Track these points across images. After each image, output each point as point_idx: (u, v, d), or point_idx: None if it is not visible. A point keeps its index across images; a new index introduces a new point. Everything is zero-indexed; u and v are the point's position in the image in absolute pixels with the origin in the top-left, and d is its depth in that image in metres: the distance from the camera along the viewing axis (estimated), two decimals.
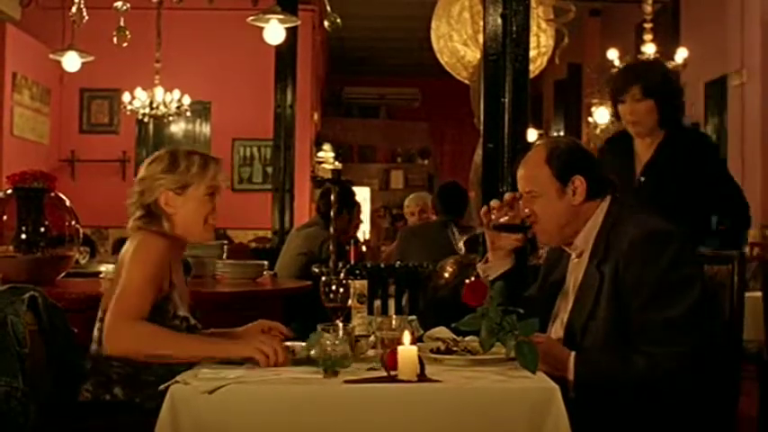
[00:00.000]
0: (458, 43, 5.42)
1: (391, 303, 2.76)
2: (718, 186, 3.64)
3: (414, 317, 2.58)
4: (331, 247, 5.41)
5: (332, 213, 4.91)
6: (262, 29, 5.31)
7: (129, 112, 10.70)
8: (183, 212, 2.65)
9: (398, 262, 5.80)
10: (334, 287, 2.51)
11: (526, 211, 2.70)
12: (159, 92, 10.37)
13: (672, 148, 3.61)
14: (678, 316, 2.44)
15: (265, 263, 4.76)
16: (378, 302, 2.66)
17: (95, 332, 2.60)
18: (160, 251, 2.55)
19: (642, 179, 3.61)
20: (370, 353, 2.48)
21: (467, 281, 2.47)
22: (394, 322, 2.53)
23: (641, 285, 2.48)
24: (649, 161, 3.63)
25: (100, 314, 2.60)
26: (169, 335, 2.45)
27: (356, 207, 5.95)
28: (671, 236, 2.55)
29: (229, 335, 2.71)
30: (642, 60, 3.89)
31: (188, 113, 10.96)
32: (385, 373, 2.17)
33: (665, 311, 2.44)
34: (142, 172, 2.70)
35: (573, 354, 2.48)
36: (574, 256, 2.73)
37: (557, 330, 2.69)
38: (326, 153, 15.00)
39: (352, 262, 2.71)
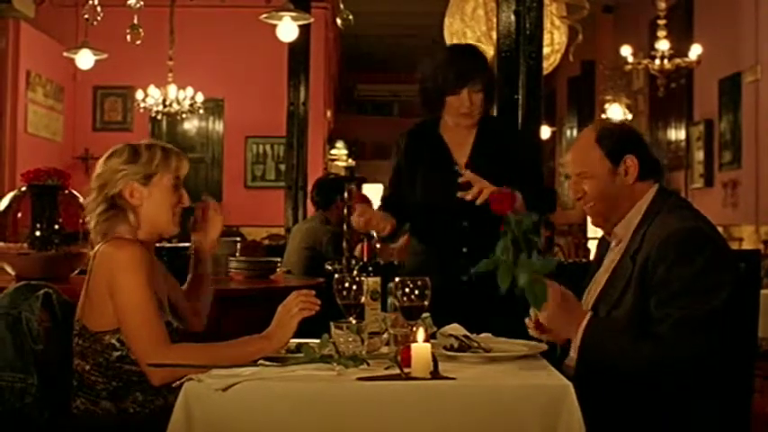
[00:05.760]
0: (471, 40, 5.41)
1: None
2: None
3: (427, 314, 2.57)
4: (345, 245, 5.41)
5: (345, 211, 4.89)
6: (275, 26, 5.32)
7: (142, 110, 10.74)
8: (148, 204, 2.55)
9: None
10: (347, 284, 2.50)
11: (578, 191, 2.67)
12: (172, 89, 10.39)
13: (488, 135, 3.46)
14: (697, 317, 2.39)
15: (279, 260, 4.76)
16: (392, 299, 2.65)
17: (75, 347, 2.49)
18: (144, 257, 2.45)
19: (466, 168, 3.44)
20: (384, 350, 2.48)
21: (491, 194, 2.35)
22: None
23: (668, 282, 2.43)
24: (474, 149, 3.44)
25: (77, 327, 2.50)
26: (204, 350, 2.37)
27: (346, 192, 5.89)
28: (709, 238, 2.51)
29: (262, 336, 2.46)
30: (474, 47, 3.56)
31: (201, 111, 10.98)
32: (398, 371, 2.17)
33: (685, 310, 2.40)
34: (100, 167, 2.58)
35: (590, 314, 2.48)
36: (613, 244, 2.71)
37: None
38: (339, 150, 15.03)
39: (365, 259, 2.70)
